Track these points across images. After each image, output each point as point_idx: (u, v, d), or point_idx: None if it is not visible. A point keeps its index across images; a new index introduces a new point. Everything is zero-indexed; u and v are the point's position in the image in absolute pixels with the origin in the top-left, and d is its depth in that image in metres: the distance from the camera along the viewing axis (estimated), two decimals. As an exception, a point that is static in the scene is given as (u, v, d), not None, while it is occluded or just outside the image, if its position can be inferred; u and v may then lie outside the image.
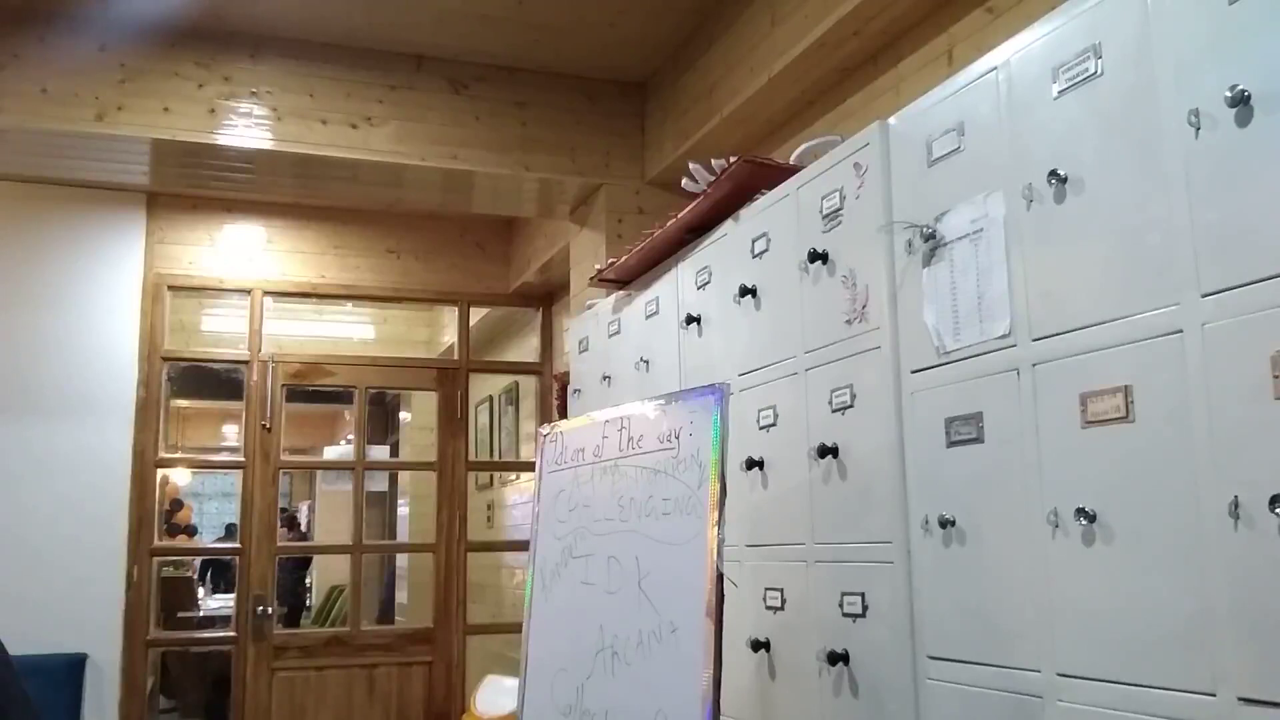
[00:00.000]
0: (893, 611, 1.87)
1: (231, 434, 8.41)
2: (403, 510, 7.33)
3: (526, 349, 5.64)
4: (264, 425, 4.78)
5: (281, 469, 4.88)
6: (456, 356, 5.27)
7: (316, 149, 3.60)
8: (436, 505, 5.09)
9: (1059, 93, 1.57)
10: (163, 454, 4.69)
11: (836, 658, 1.98)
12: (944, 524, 1.75)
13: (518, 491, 5.59)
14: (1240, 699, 1.25)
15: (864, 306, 1.99)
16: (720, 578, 1.90)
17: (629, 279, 3.15)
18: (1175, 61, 1.38)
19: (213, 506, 12.90)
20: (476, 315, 5.36)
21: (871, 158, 2.00)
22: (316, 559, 8.56)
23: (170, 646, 5.03)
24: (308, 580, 8.49)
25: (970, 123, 1.76)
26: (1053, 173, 1.56)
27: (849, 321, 2.04)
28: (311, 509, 9.84)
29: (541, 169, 3.84)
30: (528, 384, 5.67)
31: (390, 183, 3.93)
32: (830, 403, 2.08)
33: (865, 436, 1.98)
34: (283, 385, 4.86)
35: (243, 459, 4.80)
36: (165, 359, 4.69)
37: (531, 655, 2.42)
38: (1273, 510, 1.21)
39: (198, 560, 8.59)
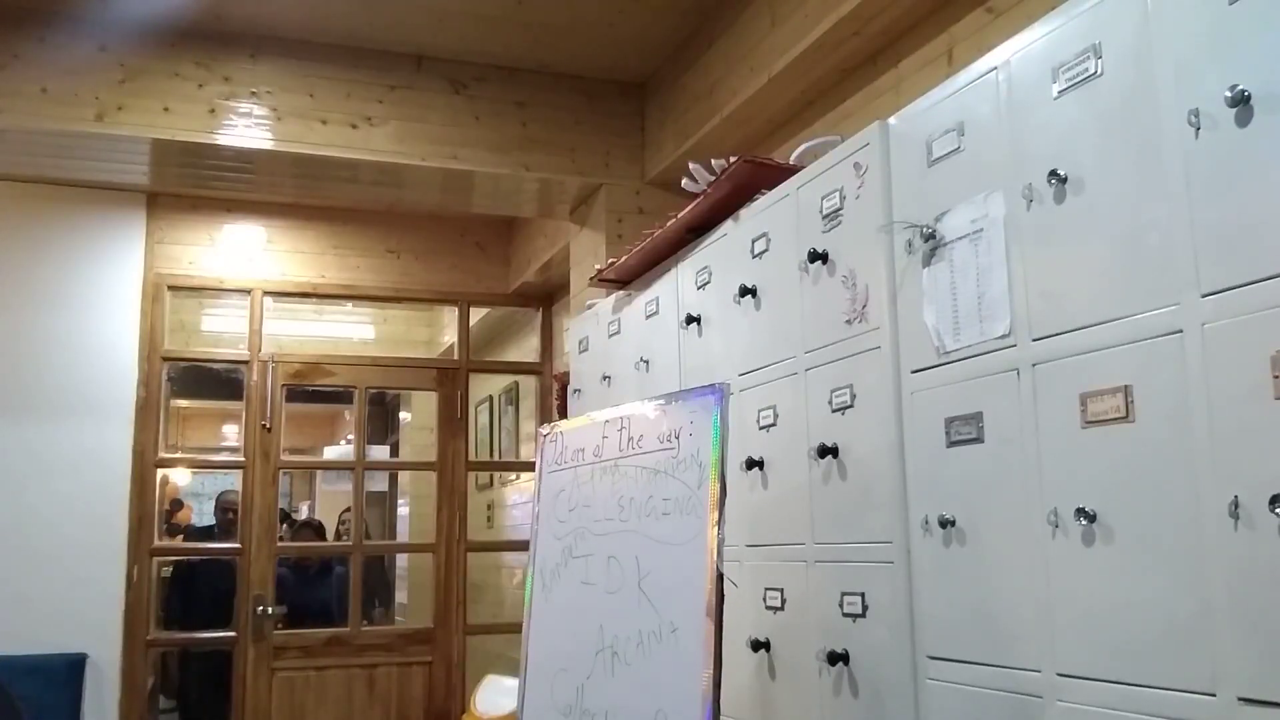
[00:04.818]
0: (893, 611, 1.87)
1: (231, 434, 8.41)
2: (403, 510, 7.32)
3: (526, 349, 5.64)
4: (264, 425, 4.78)
5: (281, 469, 4.88)
6: (456, 356, 5.27)
7: (316, 149, 3.60)
8: (436, 505, 5.09)
9: (1059, 93, 1.57)
10: (163, 454, 4.69)
11: (836, 658, 1.98)
12: (944, 524, 1.75)
13: (518, 491, 5.59)
14: (1240, 699, 1.25)
15: (864, 306, 1.99)
16: (720, 578, 1.90)
17: (629, 279, 3.15)
18: (1175, 61, 1.38)
19: (213, 506, 12.85)
20: (476, 315, 5.36)
21: (871, 158, 2.00)
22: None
23: (170, 646, 5.02)
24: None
25: (970, 123, 1.76)
26: (1053, 173, 1.56)
27: (849, 321, 2.04)
28: (311, 509, 9.83)
29: (541, 169, 3.84)
30: (528, 384, 5.67)
31: (390, 183, 3.93)
32: (830, 403, 2.08)
33: (865, 436, 1.98)
34: (283, 385, 4.86)
35: (243, 459, 4.80)
36: (165, 359, 4.68)
37: (531, 655, 2.42)
38: (1273, 510, 1.21)
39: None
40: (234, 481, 5.11)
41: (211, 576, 5.01)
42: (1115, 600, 1.43)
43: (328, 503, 8.88)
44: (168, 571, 5.23)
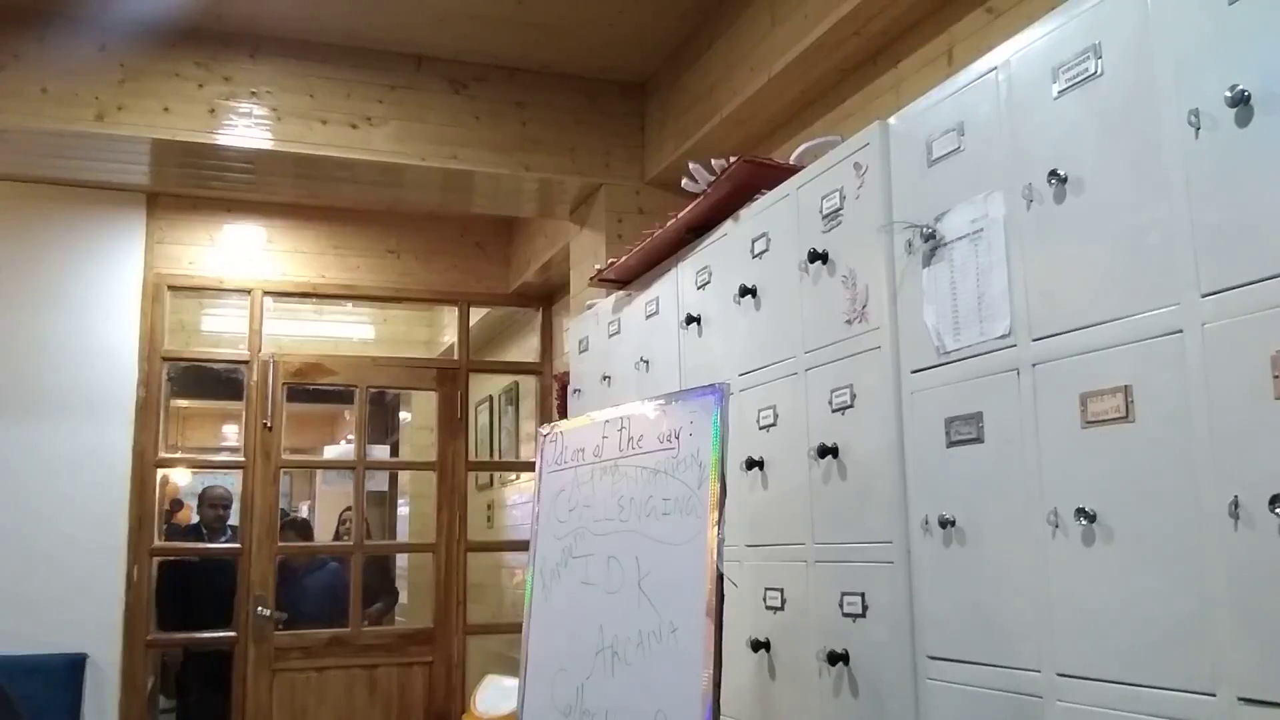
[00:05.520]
0: (893, 611, 1.87)
1: (231, 434, 8.41)
2: (403, 510, 7.33)
3: (526, 349, 5.64)
4: (265, 424, 4.78)
5: (282, 468, 4.87)
6: (456, 356, 5.27)
7: (316, 149, 3.60)
8: (436, 505, 5.09)
9: (1059, 93, 1.57)
10: (163, 454, 4.69)
11: (836, 658, 1.98)
12: (944, 524, 1.75)
13: (518, 491, 5.59)
14: (1240, 699, 1.25)
15: (864, 306, 1.99)
16: (720, 578, 1.90)
17: (629, 279, 3.15)
18: (1175, 61, 1.38)
19: (200, 504, 12.75)
20: (476, 315, 5.36)
21: (871, 158, 2.00)
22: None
23: (170, 647, 5.01)
24: None
25: (970, 123, 1.76)
26: (1053, 173, 1.56)
27: (849, 321, 2.04)
28: (311, 509, 9.83)
29: (541, 169, 3.84)
30: (528, 384, 5.67)
31: (390, 183, 3.93)
32: (830, 403, 2.08)
33: (865, 436, 1.98)
34: (284, 384, 4.86)
35: (243, 459, 4.80)
36: (165, 359, 4.68)
37: (531, 655, 2.42)
38: (1273, 510, 1.21)
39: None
40: (233, 481, 5.10)
41: (204, 577, 4.97)
42: (1115, 600, 1.43)
43: (327, 503, 8.89)
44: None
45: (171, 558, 5.05)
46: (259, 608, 4.65)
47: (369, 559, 5.21)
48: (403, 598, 6.42)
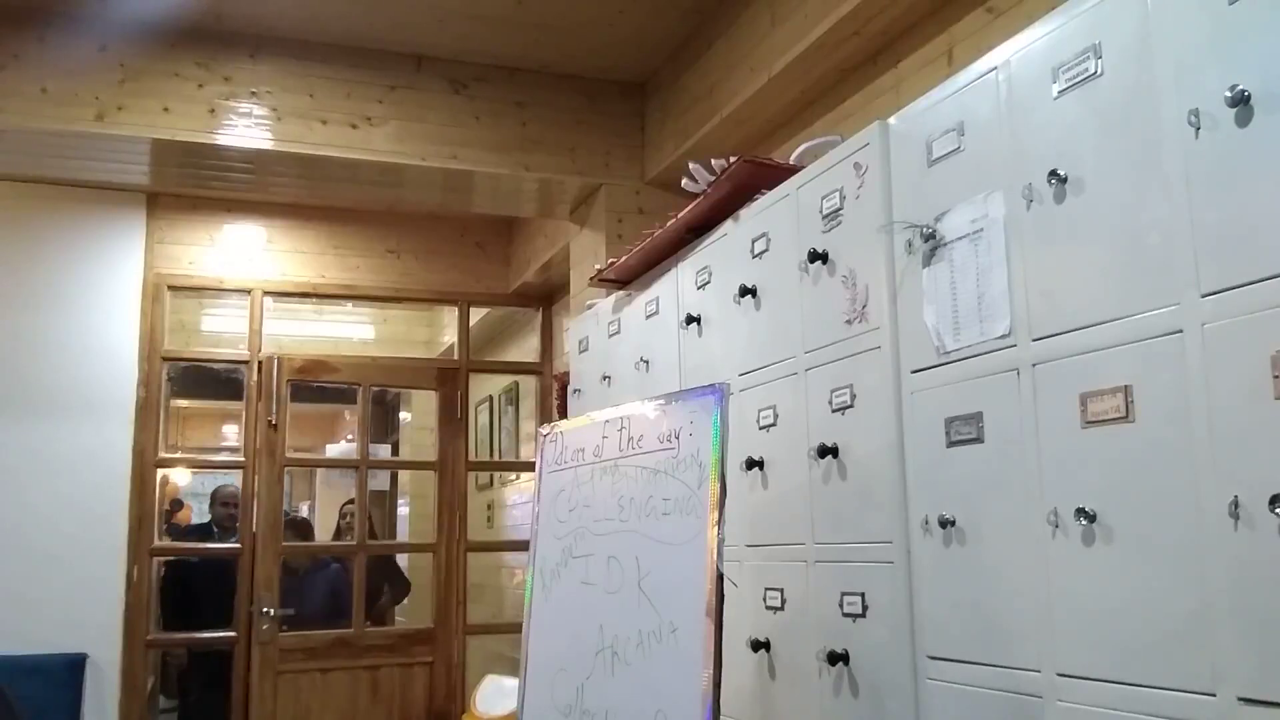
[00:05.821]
0: (893, 611, 1.87)
1: (231, 434, 8.40)
2: (403, 510, 7.33)
3: (526, 349, 5.64)
4: (269, 421, 4.77)
5: (287, 466, 4.86)
6: (456, 356, 5.27)
7: (316, 149, 3.60)
8: (436, 505, 5.09)
9: (1059, 93, 1.57)
10: (163, 454, 4.69)
11: (836, 658, 1.98)
12: (944, 524, 1.75)
13: (518, 491, 5.59)
14: (1240, 699, 1.25)
15: (864, 306, 1.99)
16: (720, 578, 1.90)
17: (629, 279, 3.15)
18: (1175, 61, 1.38)
19: (209, 503, 12.75)
20: (476, 315, 5.36)
21: (871, 158, 2.00)
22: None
23: (170, 647, 5.01)
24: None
25: (970, 123, 1.76)
26: (1053, 173, 1.56)
27: (849, 321, 2.04)
28: (311, 509, 9.82)
29: (541, 169, 3.84)
30: (528, 384, 5.67)
31: (390, 183, 3.93)
32: (830, 403, 2.08)
33: (865, 436, 1.98)
34: (288, 380, 4.85)
35: (243, 459, 4.79)
36: (165, 359, 4.68)
37: (531, 655, 2.42)
38: (1273, 510, 1.21)
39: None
40: (233, 481, 5.10)
41: (209, 577, 4.96)
42: (1115, 600, 1.43)
43: (327, 503, 8.88)
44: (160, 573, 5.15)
45: (174, 558, 5.06)
46: (264, 608, 4.64)
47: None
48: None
